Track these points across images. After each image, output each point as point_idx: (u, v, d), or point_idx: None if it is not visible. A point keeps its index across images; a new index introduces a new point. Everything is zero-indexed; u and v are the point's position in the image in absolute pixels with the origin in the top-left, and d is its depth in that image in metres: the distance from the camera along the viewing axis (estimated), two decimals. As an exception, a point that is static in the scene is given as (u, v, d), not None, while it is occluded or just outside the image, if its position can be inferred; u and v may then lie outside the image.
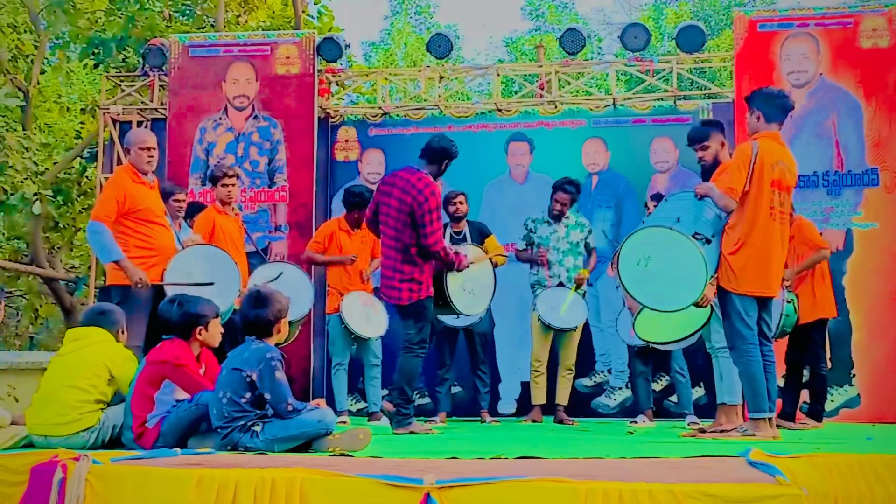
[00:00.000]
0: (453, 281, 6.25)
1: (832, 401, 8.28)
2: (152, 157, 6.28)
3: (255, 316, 4.50)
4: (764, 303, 5.40)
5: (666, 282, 5.19)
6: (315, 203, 9.62)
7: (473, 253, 6.83)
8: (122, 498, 2.94)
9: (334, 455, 4.02)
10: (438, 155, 6.21)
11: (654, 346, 6.97)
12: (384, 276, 6.19)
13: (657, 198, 7.98)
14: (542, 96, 9.87)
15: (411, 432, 5.97)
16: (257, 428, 4.28)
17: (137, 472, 3.04)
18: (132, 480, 3.01)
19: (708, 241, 5.22)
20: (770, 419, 5.28)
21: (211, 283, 6.02)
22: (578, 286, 8.05)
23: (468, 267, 6.35)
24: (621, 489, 2.65)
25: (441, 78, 10.09)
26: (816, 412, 7.43)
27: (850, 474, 3.49)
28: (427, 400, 8.98)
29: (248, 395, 4.33)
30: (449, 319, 7.60)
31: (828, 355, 7.88)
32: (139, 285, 5.95)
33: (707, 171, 6.03)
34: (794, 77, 8.80)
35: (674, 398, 8.53)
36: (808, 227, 7.30)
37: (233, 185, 7.27)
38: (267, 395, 4.32)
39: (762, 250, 5.28)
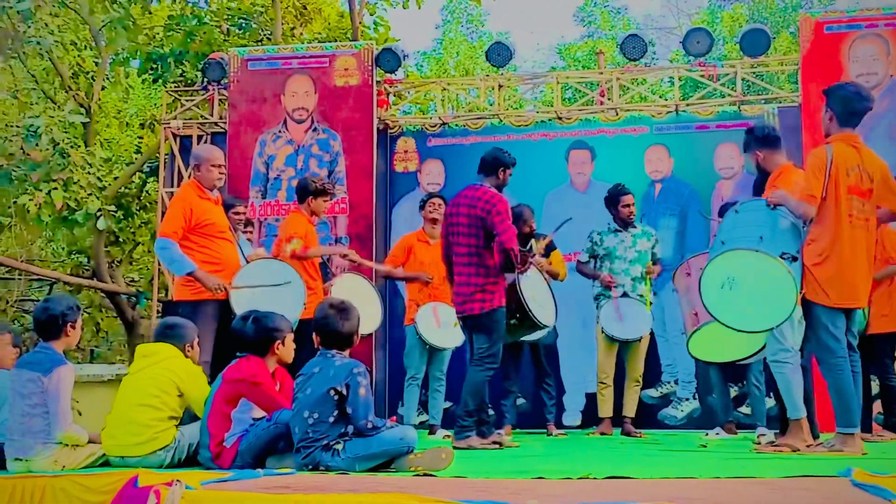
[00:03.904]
0: (526, 290, 6.22)
1: (908, 411, 8.02)
2: (223, 173, 6.41)
3: (340, 327, 4.41)
4: (850, 314, 5.24)
5: (753, 303, 5.07)
6: (375, 214, 9.59)
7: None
8: (216, 524, 2.88)
9: (417, 475, 3.93)
10: (493, 165, 6.30)
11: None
12: (459, 293, 6.21)
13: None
14: (602, 103, 9.75)
15: (469, 446, 5.90)
16: (339, 447, 4.18)
17: (230, 498, 2.98)
18: (225, 506, 2.95)
19: (794, 259, 5.07)
20: (857, 433, 5.10)
21: (288, 282, 6.09)
22: (648, 275, 7.93)
23: (533, 263, 6.36)
24: (734, 517, 2.53)
25: (500, 87, 10.00)
26: (893, 424, 7.21)
27: (958, 495, 3.32)
28: (492, 412, 8.86)
29: (336, 413, 4.23)
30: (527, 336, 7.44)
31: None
32: (218, 291, 6.00)
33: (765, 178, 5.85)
34: (864, 79, 8.56)
35: (744, 409, 8.36)
36: (893, 236, 7.08)
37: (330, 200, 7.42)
38: (349, 410, 4.21)
39: (847, 260, 5.10)
